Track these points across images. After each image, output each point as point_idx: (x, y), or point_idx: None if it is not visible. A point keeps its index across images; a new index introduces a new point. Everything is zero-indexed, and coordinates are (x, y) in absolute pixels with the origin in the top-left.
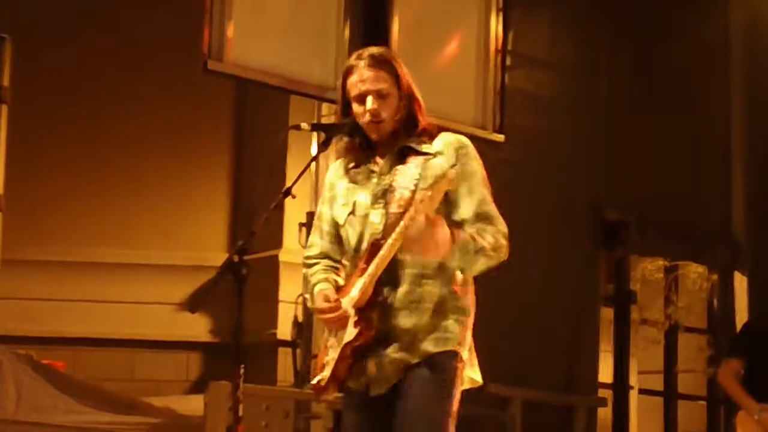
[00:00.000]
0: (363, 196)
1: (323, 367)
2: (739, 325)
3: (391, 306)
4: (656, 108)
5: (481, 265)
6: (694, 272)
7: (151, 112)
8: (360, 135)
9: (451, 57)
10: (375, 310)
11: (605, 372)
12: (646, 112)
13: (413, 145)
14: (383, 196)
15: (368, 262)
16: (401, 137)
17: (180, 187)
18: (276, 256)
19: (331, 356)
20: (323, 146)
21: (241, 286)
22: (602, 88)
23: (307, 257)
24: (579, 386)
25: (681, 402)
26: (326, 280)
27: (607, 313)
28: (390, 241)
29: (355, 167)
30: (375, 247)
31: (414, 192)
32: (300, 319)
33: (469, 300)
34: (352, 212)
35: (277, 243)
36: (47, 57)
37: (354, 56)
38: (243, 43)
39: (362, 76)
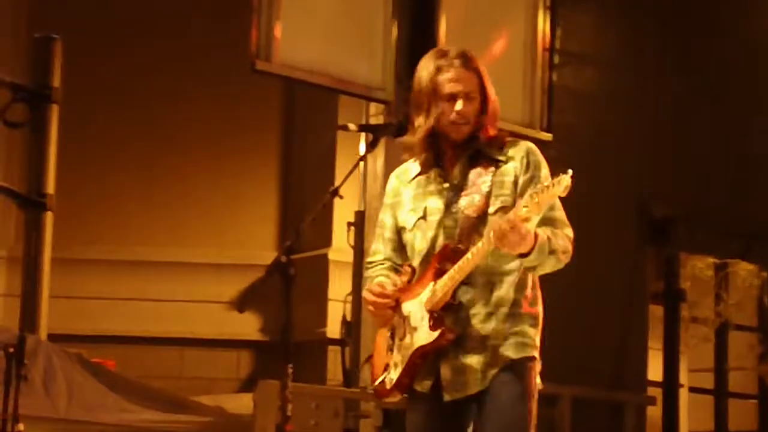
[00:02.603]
0: (434, 202)
1: (386, 368)
2: None
3: (466, 311)
4: (703, 103)
5: (549, 266)
6: (744, 270)
7: (201, 112)
8: (431, 138)
9: (498, 55)
10: (449, 313)
11: (655, 370)
12: (694, 108)
13: (485, 150)
14: (456, 200)
15: (443, 264)
16: (473, 141)
17: (230, 186)
18: (325, 255)
19: (399, 358)
20: (371, 146)
21: (289, 285)
22: (649, 85)
23: (370, 262)
24: (628, 384)
25: (731, 400)
26: (386, 276)
27: (657, 311)
28: (479, 246)
29: (422, 173)
30: (452, 250)
31: (487, 197)
32: (349, 317)
33: (540, 307)
34: (423, 217)
35: (327, 242)
36: (97, 57)
37: (438, 54)
38: (291, 43)
39: (458, 76)
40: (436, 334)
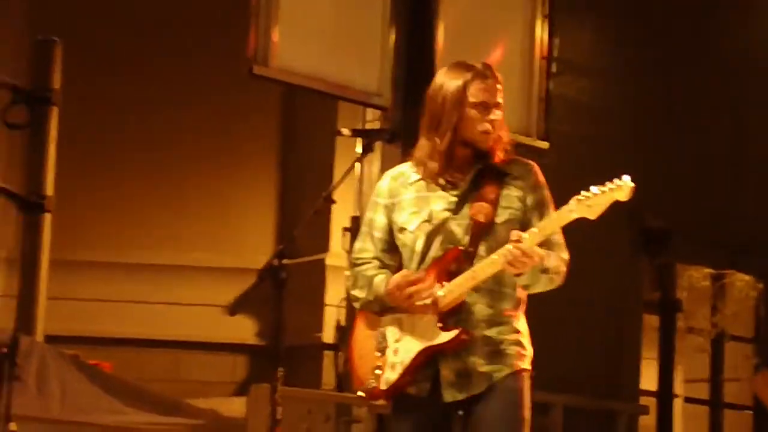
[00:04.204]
0: (439, 205)
1: (379, 369)
2: None
3: (470, 315)
4: (700, 114)
5: (542, 285)
6: (740, 280)
7: (200, 116)
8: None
9: (495, 63)
10: (453, 315)
11: (650, 379)
12: (690, 118)
13: (494, 163)
14: (463, 207)
15: (451, 266)
16: (488, 153)
17: (228, 190)
18: (322, 260)
19: (398, 359)
20: (365, 151)
21: (280, 290)
22: (647, 95)
23: (358, 258)
24: (621, 393)
25: (727, 411)
26: (384, 274)
27: (654, 321)
28: (492, 260)
29: (425, 177)
30: (462, 254)
31: (495, 206)
32: (343, 322)
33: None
34: (428, 220)
35: (324, 247)
36: (97, 60)
37: (462, 66)
38: (288, 48)
39: (492, 87)
40: (452, 334)
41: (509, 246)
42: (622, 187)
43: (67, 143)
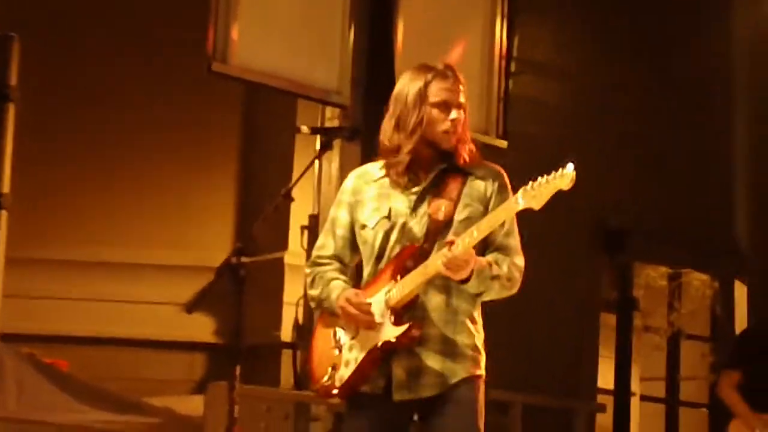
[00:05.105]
0: (400, 203)
1: (335, 366)
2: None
3: (426, 313)
4: (661, 116)
5: (494, 292)
6: (697, 280)
7: (159, 112)
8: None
9: (455, 62)
10: (407, 312)
11: (607, 378)
12: (651, 120)
13: (459, 163)
14: (422, 204)
15: (406, 263)
16: (452, 153)
17: (187, 187)
18: (281, 259)
19: (352, 356)
20: (323, 149)
21: (240, 287)
22: (607, 96)
23: (318, 257)
24: (579, 391)
25: (683, 409)
26: (343, 280)
27: (611, 320)
28: (452, 251)
29: (387, 175)
30: (418, 250)
31: (455, 204)
32: (301, 321)
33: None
34: (387, 217)
35: (283, 245)
36: (54, 56)
37: (424, 68)
38: (248, 46)
39: (454, 86)
40: (402, 328)
41: (444, 250)
42: (564, 176)
43: (22, 139)
